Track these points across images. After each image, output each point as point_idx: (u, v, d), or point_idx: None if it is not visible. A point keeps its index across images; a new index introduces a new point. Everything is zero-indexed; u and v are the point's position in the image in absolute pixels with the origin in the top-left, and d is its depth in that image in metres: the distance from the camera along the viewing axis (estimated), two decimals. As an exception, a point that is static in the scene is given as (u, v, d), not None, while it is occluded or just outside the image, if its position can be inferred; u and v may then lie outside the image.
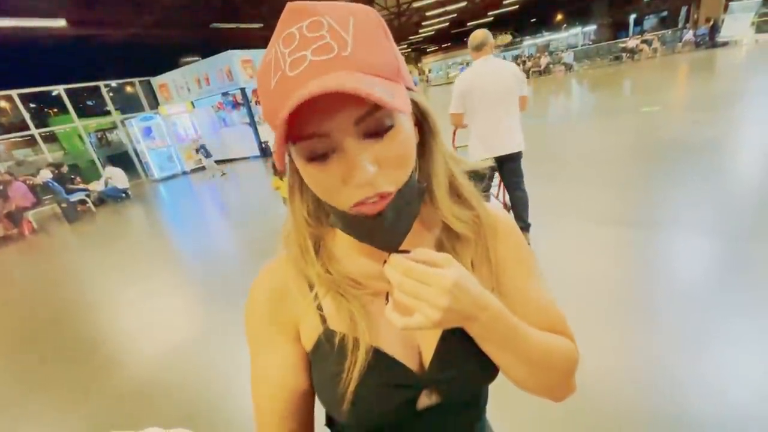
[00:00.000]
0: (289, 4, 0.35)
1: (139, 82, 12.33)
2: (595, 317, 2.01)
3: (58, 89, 10.30)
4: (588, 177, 4.12)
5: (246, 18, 12.57)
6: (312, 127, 0.33)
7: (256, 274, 0.51)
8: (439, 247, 0.48)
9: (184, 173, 11.00)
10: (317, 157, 0.35)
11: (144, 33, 11.83)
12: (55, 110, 12.06)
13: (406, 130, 0.37)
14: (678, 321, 1.87)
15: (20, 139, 10.35)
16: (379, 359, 0.45)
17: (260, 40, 14.67)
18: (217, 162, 11.55)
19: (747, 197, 2.98)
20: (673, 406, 1.44)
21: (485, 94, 2.52)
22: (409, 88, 0.39)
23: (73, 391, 2.32)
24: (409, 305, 0.36)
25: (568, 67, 18.48)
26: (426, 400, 0.47)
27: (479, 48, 2.55)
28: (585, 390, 1.55)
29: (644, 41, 17.39)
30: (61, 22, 8.61)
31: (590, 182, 3.95)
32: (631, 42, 17.72)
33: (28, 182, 7.96)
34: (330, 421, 0.55)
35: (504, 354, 0.43)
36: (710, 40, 15.94)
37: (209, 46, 11.00)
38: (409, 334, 0.48)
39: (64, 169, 8.82)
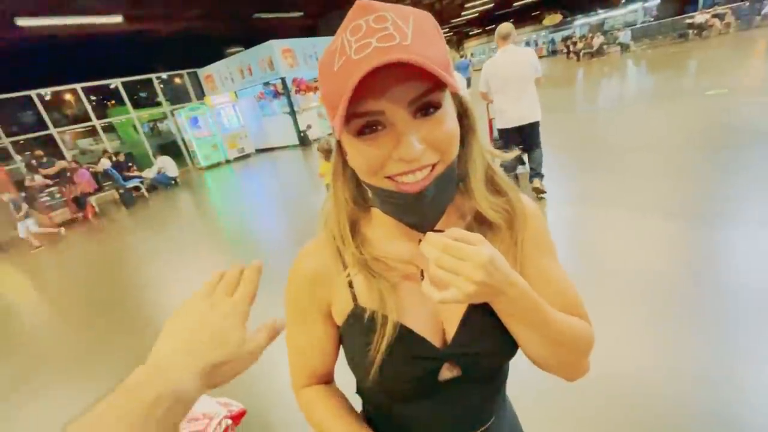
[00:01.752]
0: (358, 2, 0.39)
1: (187, 73, 12.92)
2: (646, 315, 1.90)
3: (116, 82, 11.02)
4: (644, 167, 3.78)
5: (286, 7, 12.71)
6: (368, 105, 0.38)
7: (296, 256, 0.56)
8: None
9: (228, 161, 11.45)
10: (369, 131, 0.40)
11: (191, 26, 12.28)
12: (113, 102, 12.94)
13: (451, 115, 0.42)
14: (734, 322, 1.74)
15: (83, 129, 11.20)
16: (405, 334, 0.49)
17: (299, 30, 14.80)
18: (258, 151, 11.94)
19: None
20: (724, 410, 1.35)
21: (503, 79, 3.28)
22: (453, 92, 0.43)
23: (138, 356, 2.50)
24: (445, 280, 0.39)
25: (625, 47, 17.06)
26: (447, 372, 0.51)
27: (505, 38, 3.27)
28: (624, 392, 1.49)
29: (715, 15, 15.65)
30: (117, 18, 9.12)
31: (647, 173, 3.63)
32: (700, 17, 16.01)
33: (90, 170, 8.64)
34: (360, 390, 0.61)
35: (526, 330, 0.46)
36: (796, 11, 14.05)
37: (252, 37, 11.22)
38: (434, 314, 0.51)
39: (121, 157, 9.49)
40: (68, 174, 8.21)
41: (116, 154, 9.60)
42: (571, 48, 20.20)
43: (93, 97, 11.17)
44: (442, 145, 0.40)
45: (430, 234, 0.41)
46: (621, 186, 3.46)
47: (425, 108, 0.39)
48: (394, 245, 0.52)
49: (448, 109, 0.41)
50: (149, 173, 9.29)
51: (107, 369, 2.53)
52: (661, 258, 2.35)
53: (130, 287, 3.85)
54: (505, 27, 3.25)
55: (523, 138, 3.48)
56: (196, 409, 1.70)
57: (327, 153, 3.42)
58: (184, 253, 4.50)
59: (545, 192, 3.53)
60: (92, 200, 8.21)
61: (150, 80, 11.90)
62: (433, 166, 0.41)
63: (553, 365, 0.49)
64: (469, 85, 13.36)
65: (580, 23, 28.93)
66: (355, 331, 0.51)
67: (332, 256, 0.53)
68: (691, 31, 16.13)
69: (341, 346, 0.57)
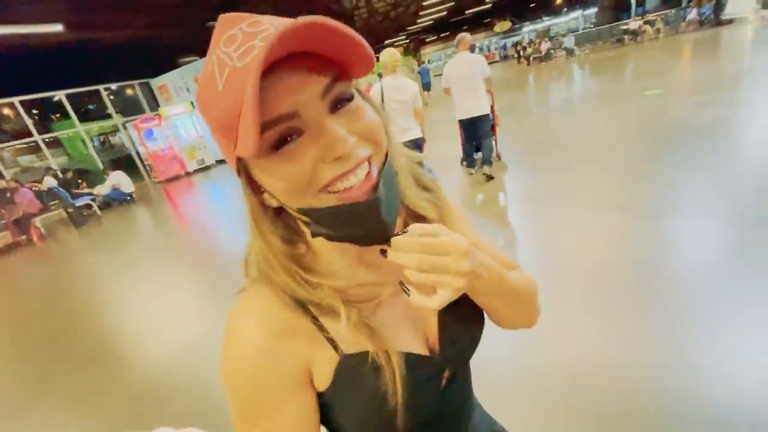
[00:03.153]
0: (221, 17, 0.35)
1: (139, 84, 12.35)
2: (597, 305, 2.02)
3: (59, 94, 10.36)
4: (589, 164, 4.10)
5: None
6: (279, 109, 0.31)
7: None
8: None
9: (187, 174, 11.05)
10: (286, 142, 0.33)
11: (140, 34, 11.80)
12: (57, 115, 12.12)
13: (368, 106, 0.38)
14: (682, 307, 1.86)
15: (24, 145, 10.42)
16: (409, 361, 0.43)
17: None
18: (219, 162, 11.61)
19: (751, 180, 2.93)
20: (683, 397, 1.44)
21: (458, 77, 4.01)
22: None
23: (87, 392, 2.38)
24: (431, 282, 0.36)
25: (569, 52, 18.19)
26: (443, 378, 0.49)
27: (458, 45, 4.09)
28: (587, 381, 1.57)
29: (647, 22, 17.09)
30: (57, 27, 8.60)
31: (592, 169, 3.93)
32: (633, 23, 17.41)
33: (34, 189, 8.04)
34: None
35: (495, 300, 0.47)
36: (715, 18, 15.61)
37: (206, 45, 10.94)
38: (415, 326, 0.47)
39: (69, 174, 8.90)
40: (8, 194, 7.60)
41: (64, 171, 9.00)
42: (522, 53, 21.24)
43: (34, 111, 10.43)
44: (371, 134, 0.36)
45: (396, 239, 0.36)
46: (570, 182, 3.72)
47: (339, 101, 0.35)
48: (352, 272, 0.45)
49: (362, 101, 0.37)
50: (102, 190, 8.78)
51: (54, 405, 2.35)
52: (610, 250, 2.50)
53: (81, 313, 3.60)
54: (463, 36, 4.08)
55: (474, 128, 4.20)
56: None
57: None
58: (141, 273, 4.30)
59: (493, 177, 4.17)
60: (37, 221, 7.64)
61: (98, 92, 11.27)
62: (369, 159, 0.36)
63: (517, 320, 0.52)
64: (429, 88, 13.73)
65: (528, 29, 30.62)
66: (354, 387, 0.41)
67: (288, 308, 0.41)
68: (626, 37, 17.48)
69: (327, 417, 0.44)
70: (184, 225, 6.33)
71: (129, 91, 12.82)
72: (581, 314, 2.01)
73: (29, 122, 9.74)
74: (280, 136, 0.33)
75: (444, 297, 0.36)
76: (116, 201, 8.70)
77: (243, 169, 0.39)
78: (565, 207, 3.23)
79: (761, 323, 1.66)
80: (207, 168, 11.36)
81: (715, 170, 3.22)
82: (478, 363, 0.58)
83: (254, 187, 0.39)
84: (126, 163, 11.15)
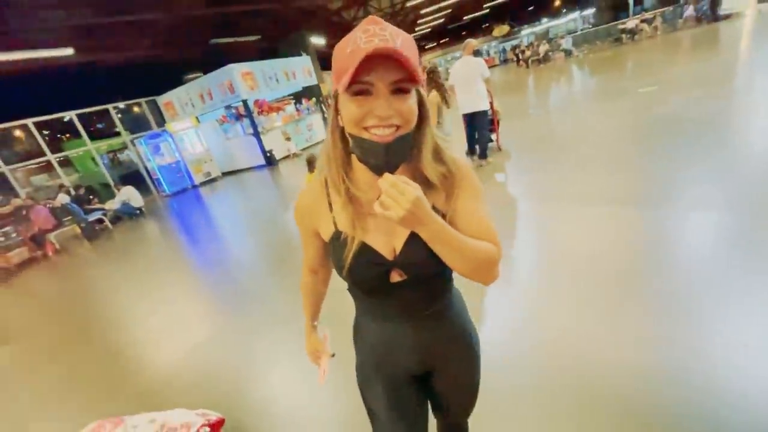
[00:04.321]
0: (370, 17, 0.61)
1: (146, 102, 12.71)
2: (596, 298, 2.10)
3: (70, 115, 10.71)
4: (581, 158, 4.26)
5: (243, 31, 12.84)
6: (365, 76, 0.57)
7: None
8: None
9: (194, 186, 11.31)
10: (361, 93, 0.59)
11: (146, 54, 12.18)
12: (68, 135, 12.52)
13: (414, 100, 0.63)
14: (679, 299, 1.91)
15: (36, 165, 10.77)
16: (365, 249, 0.73)
17: (259, 52, 14.93)
18: (225, 173, 11.87)
19: (746, 171, 2.99)
20: (682, 394, 1.47)
21: (460, 77, 4.61)
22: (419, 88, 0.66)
23: (103, 391, 2.55)
24: (387, 203, 0.58)
25: (568, 53, 18.28)
26: (397, 276, 0.75)
27: (464, 49, 4.76)
28: (584, 377, 1.60)
29: (644, 20, 17.12)
30: (68, 51, 8.96)
31: (583, 163, 4.09)
32: (631, 22, 17.45)
33: (48, 205, 8.33)
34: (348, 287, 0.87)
35: (444, 251, 0.66)
36: (712, 13, 15.60)
37: (210, 62, 11.28)
38: (388, 237, 0.73)
39: (81, 191, 9.19)
40: (24, 212, 7.89)
41: (76, 187, 9.29)
42: (520, 56, 21.36)
43: (46, 132, 10.80)
44: (404, 114, 0.60)
45: (386, 174, 0.59)
46: (571, 179, 3.83)
47: (399, 90, 0.59)
48: (364, 177, 0.72)
49: (413, 97, 0.62)
50: (112, 204, 9.05)
51: (76, 402, 2.53)
52: (605, 243, 2.59)
53: (96, 323, 3.78)
54: (468, 42, 4.80)
55: (474, 121, 4.82)
56: (175, 420, 1.79)
57: (311, 164, 4.05)
58: (152, 284, 4.46)
59: (489, 163, 4.97)
60: (51, 237, 7.91)
61: (107, 111, 11.64)
62: (397, 128, 0.60)
63: (469, 273, 0.69)
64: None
65: (527, 33, 30.72)
66: (335, 245, 0.76)
67: (321, 194, 0.78)
68: (624, 36, 17.53)
69: (330, 254, 0.81)
70: (192, 237, 6.52)
71: (136, 109, 13.19)
72: (581, 302, 2.09)
73: (42, 142, 10.09)
74: (359, 90, 0.59)
75: (389, 214, 0.58)
76: (126, 215, 8.96)
77: (335, 98, 0.65)
78: (562, 202, 3.35)
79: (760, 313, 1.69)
80: (214, 180, 11.62)
81: (708, 163, 3.30)
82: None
83: (336, 110, 0.66)
84: (135, 178, 11.44)
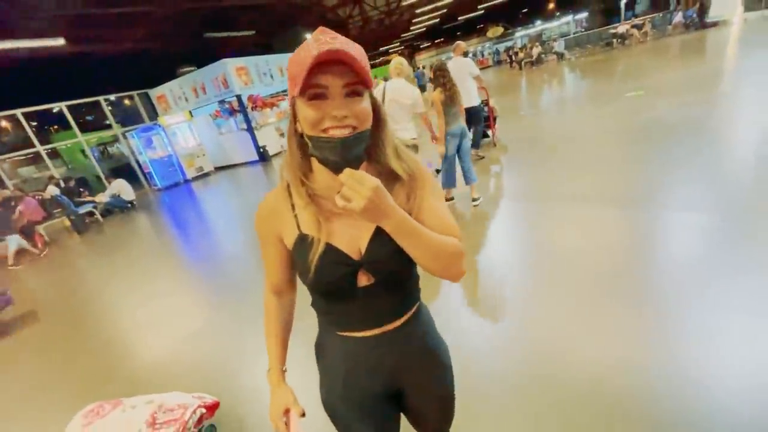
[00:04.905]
0: (320, 27, 0.63)
1: (138, 94, 12.59)
2: (586, 297, 2.14)
3: (60, 106, 10.57)
4: (569, 158, 4.40)
5: (239, 26, 12.78)
6: (320, 81, 0.59)
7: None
8: None
9: (186, 181, 11.26)
10: (317, 98, 0.61)
11: (139, 46, 12.07)
12: (57, 127, 12.34)
13: (367, 103, 0.65)
14: (665, 299, 1.95)
15: (23, 157, 10.62)
16: (331, 249, 0.71)
17: (254, 47, 14.87)
18: (217, 168, 11.82)
19: (729, 173, 3.11)
20: (669, 394, 1.48)
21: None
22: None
23: (99, 376, 2.62)
24: (347, 195, 0.57)
25: (560, 56, 18.53)
26: (364, 279, 0.73)
27: (454, 50, 5.06)
28: (569, 375, 1.64)
29: (634, 26, 17.43)
30: (59, 41, 8.86)
31: (570, 163, 4.23)
32: (621, 27, 17.77)
33: (37, 197, 8.23)
34: (312, 302, 0.84)
35: (410, 246, 0.65)
36: (699, 20, 15.96)
37: (205, 55, 11.23)
38: (354, 237, 0.72)
39: (71, 183, 9.10)
40: (13, 203, 7.79)
41: (66, 179, 9.20)
42: (513, 58, 21.56)
43: (34, 123, 10.65)
44: (359, 115, 0.62)
45: (347, 169, 0.59)
46: (561, 179, 3.95)
47: (352, 93, 0.61)
48: (326, 180, 0.71)
49: (366, 100, 0.64)
50: (103, 197, 8.98)
51: (68, 390, 2.57)
52: (592, 242, 2.65)
53: (86, 314, 3.79)
54: (458, 44, 5.10)
55: (468, 116, 4.86)
56: (172, 402, 1.85)
57: None
58: (141, 275, 4.47)
59: (483, 157, 5.38)
60: (41, 229, 7.83)
61: (98, 102, 11.51)
62: (353, 128, 0.62)
63: (437, 270, 0.68)
64: (424, 89, 14.03)
65: (521, 34, 31.04)
66: (300, 250, 0.73)
67: (284, 198, 0.76)
68: (615, 40, 17.83)
69: (294, 264, 0.79)
70: (183, 231, 6.52)
71: (128, 102, 13.06)
72: (567, 299, 2.17)
73: (30, 133, 9.95)
74: (315, 94, 0.61)
75: (351, 206, 0.57)
76: (117, 208, 8.90)
77: (292, 105, 0.67)
78: (551, 202, 3.46)
79: (735, 309, 1.74)
80: (206, 175, 11.58)
81: (692, 165, 3.42)
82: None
83: (294, 116, 0.68)
84: (126, 171, 11.34)
